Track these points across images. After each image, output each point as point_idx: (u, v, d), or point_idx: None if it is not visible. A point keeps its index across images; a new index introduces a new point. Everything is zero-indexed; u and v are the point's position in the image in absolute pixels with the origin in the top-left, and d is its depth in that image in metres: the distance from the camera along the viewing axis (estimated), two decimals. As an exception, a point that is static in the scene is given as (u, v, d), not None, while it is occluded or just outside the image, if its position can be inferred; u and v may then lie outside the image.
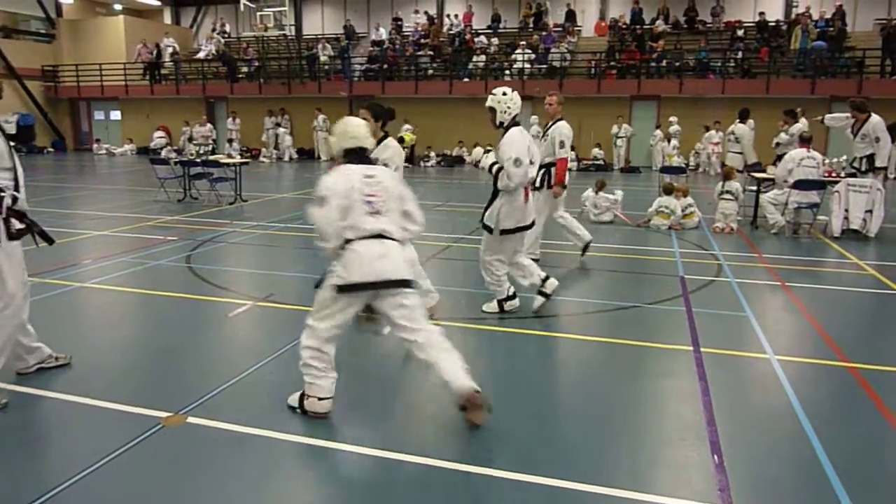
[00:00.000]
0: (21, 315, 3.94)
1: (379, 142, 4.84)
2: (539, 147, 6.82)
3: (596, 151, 21.10)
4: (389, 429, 3.63)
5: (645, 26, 23.76)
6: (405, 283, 3.63)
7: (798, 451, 3.42)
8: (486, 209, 5.47)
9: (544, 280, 5.61)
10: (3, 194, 3.73)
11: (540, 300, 5.65)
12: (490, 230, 5.43)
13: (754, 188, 10.72)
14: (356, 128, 3.81)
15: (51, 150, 27.12)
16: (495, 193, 5.39)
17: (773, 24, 22.54)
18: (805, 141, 9.66)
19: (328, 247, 3.58)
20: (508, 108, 5.35)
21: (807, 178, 9.28)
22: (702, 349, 4.82)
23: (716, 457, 3.31)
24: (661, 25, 23.45)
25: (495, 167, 5.27)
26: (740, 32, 22.67)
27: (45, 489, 2.94)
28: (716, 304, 6.08)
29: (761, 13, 22.82)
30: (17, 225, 3.81)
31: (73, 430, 3.61)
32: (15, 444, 3.47)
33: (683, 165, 17.43)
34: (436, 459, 3.25)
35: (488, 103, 5.39)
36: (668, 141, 19.19)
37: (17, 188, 3.84)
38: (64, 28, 28.37)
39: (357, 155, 3.75)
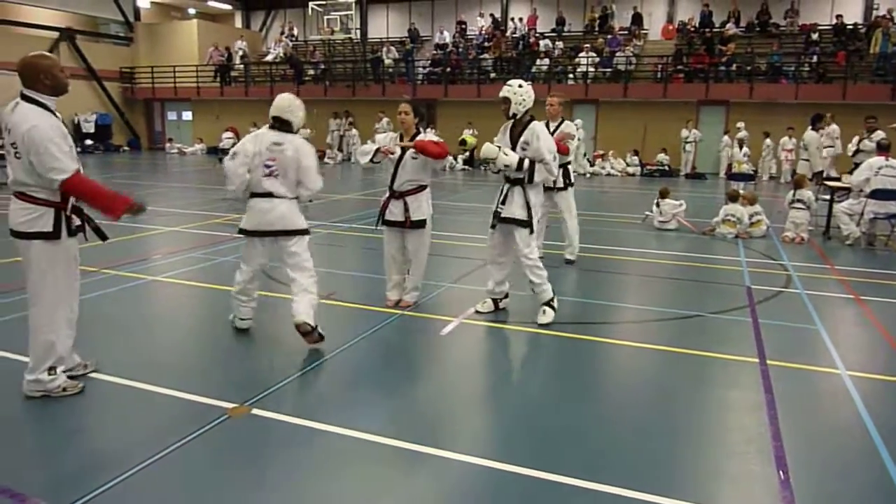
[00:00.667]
0: (70, 310, 3.87)
1: (413, 136, 5.53)
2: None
3: (661, 157, 20.67)
4: (451, 429, 3.65)
5: (715, 29, 23.16)
6: (290, 233, 4.70)
7: (870, 471, 3.29)
8: (505, 207, 5.40)
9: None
10: None
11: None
12: (531, 226, 5.39)
13: (827, 197, 10.32)
14: (281, 100, 4.75)
15: (126, 148, 28.32)
16: (519, 189, 5.37)
17: (851, 26, 21.62)
18: (883, 149, 9.23)
19: (230, 189, 4.71)
20: (523, 100, 5.29)
21: (884, 187, 8.88)
22: (768, 361, 4.67)
23: (781, 472, 3.21)
24: (731, 28, 22.81)
25: (526, 162, 5.24)
26: (815, 36, 21.84)
27: (117, 472, 3.08)
28: (784, 315, 5.89)
29: (839, 16, 21.93)
30: (76, 221, 3.82)
31: (143, 416, 3.77)
32: (89, 427, 3.65)
33: (752, 172, 16.91)
34: (500, 462, 3.25)
35: (503, 93, 5.36)
36: (740, 147, 18.64)
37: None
38: (141, 31, 29.62)
39: (277, 123, 4.70)
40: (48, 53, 3.84)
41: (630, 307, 6.25)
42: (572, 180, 7.59)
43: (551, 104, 7.48)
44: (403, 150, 5.56)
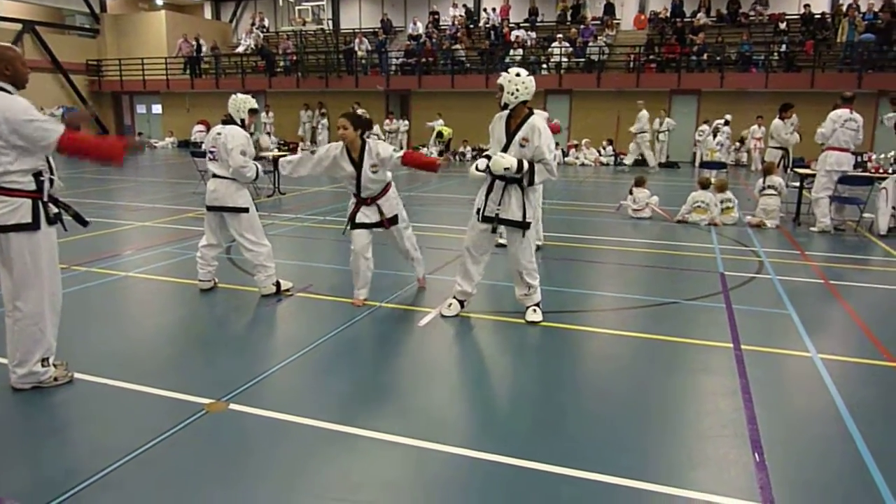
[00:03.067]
0: (56, 300, 3.86)
1: (362, 148, 5.39)
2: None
3: (633, 146, 20.79)
4: (429, 419, 3.65)
5: (686, 19, 23.35)
6: (231, 209, 5.61)
7: (842, 452, 3.35)
8: (502, 207, 5.05)
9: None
10: (42, 178, 3.70)
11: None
12: (527, 227, 5.11)
13: (797, 184, 10.49)
14: (231, 101, 5.74)
15: (95, 142, 27.78)
16: (517, 188, 5.04)
17: (818, 16, 21.94)
18: (848, 101, 9.36)
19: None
20: (516, 89, 4.89)
21: (848, 142, 9.16)
22: (742, 346, 4.75)
23: (756, 455, 3.27)
24: (702, 18, 23.03)
25: (526, 164, 4.88)
26: (784, 25, 22.16)
27: (95, 470, 3.04)
28: (757, 301, 5.98)
29: (806, 5, 22.23)
30: (53, 209, 3.80)
31: (119, 414, 3.71)
32: (66, 426, 3.59)
33: (724, 161, 17.10)
34: (474, 451, 3.27)
35: (499, 80, 4.99)
36: (714, 136, 18.82)
37: (51, 172, 3.81)
38: (108, 23, 29.01)
39: (226, 119, 5.71)
40: (13, 46, 3.78)
41: (605, 295, 6.30)
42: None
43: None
44: (359, 163, 5.38)
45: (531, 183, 5.00)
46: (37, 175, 3.66)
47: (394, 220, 5.67)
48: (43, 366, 3.79)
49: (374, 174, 5.41)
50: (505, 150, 4.99)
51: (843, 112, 9.20)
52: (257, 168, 5.73)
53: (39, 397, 3.73)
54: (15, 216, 3.59)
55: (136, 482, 2.99)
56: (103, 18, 29.02)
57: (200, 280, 6.04)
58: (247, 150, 5.63)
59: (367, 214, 5.56)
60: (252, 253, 5.70)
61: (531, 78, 4.98)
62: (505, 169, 4.85)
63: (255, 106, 5.90)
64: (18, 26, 25.47)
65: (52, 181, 3.80)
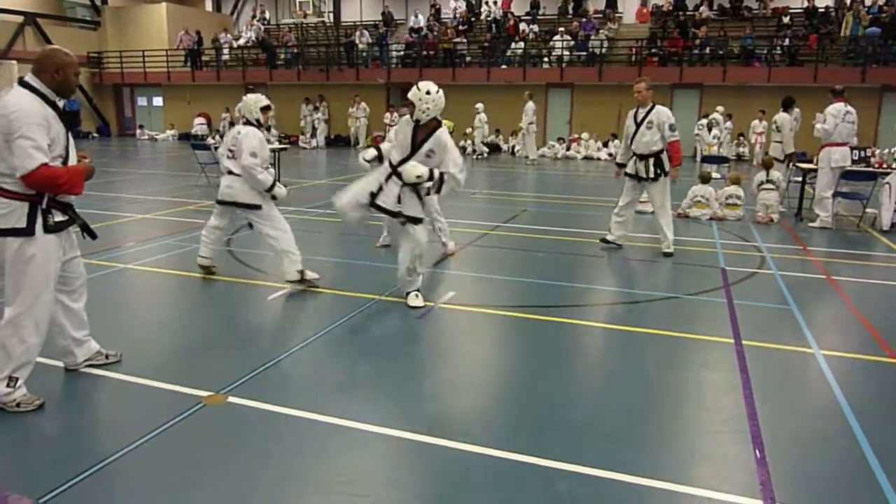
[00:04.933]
0: (47, 315, 3.61)
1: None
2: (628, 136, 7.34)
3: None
4: (428, 413, 3.64)
5: (688, 13, 23.25)
6: (243, 205, 5.75)
7: (844, 448, 3.34)
8: (404, 206, 5.20)
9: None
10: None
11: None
12: (421, 222, 5.35)
13: (799, 179, 10.44)
14: (243, 104, 5.91)
15: (96, 135, 27.77)
16: (411, 190, 5.22)
17: (822, 10, 21.84)
18: (839, 94, 9.30)
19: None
20: (427, 108, 5.06)
21: (848, 136, 9.13)
22: (743, 342, 4.72)
23: (757, 451, 3.25)
24: (704, 12, 22.91)
25: (436, 173, 5.12)
26: (787, 19, 22.04)
27: (93, 462, 3.02)
28: (758, 296, 5.96)
29: (810, -1, 22.15)
30: (57, 217, 3.55)
31: (119, 406, 3.71)
32: (66, 419, 3.58)
33: (724, 155, 17.04)
34: (473, 445, 3.24)
35: (409, 95, 5.12)
36: (709, 130, 18.73)
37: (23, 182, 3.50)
38: (109, 15, 28.90)
39: (246, 121, 5.86)
40: (70, 52, 3.62)
41: (605, 290, 6.28)
42: (666, 170, 7.24)
43: (639, 90, 7.29)
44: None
45: (438, 192, 5.26)
46: None
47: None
48: (7, 385, 3.46)
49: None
50: (408, 158, 5.15)
51: (840, 106, 9.15)
52: (274, 179, 5.74)
53: (36, 390, 3.69)
54: (10, 220, 3.38)
55: (131, 475, 2.98)
56: (104, 10, 28.91)
57: (200, 256, 6.17)
58: (258, 152, 5.61)
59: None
60: (273, 240, 5.76)
61: (440, 94, 5.13)
62: (417, 177, 5.03)
63: (267, 103, 5.96)
64: (20, 18, 25.40)
65: None
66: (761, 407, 3.71)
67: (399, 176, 5.16)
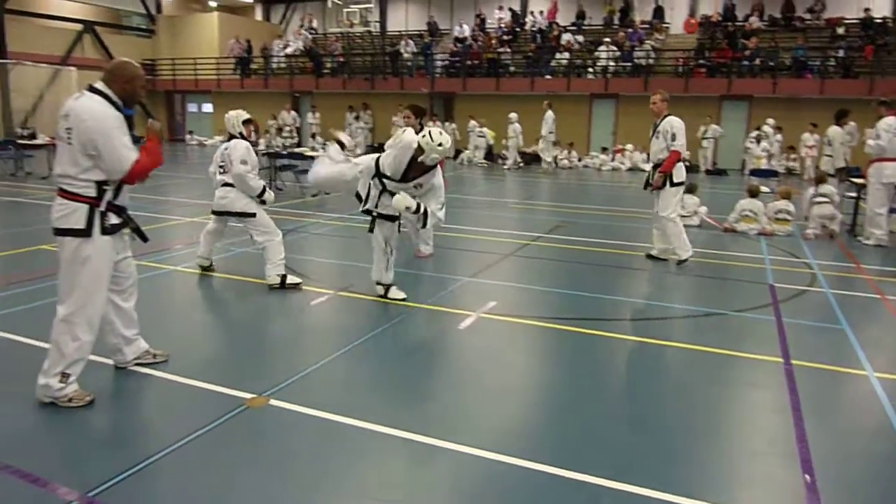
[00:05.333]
0: (99, 314, 3.74)
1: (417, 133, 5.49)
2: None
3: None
4: (467, 423, 3.62)
5: (737, 23, 22.84)
6: (238, 214, 6.18)
7: (899, 475, 3.21)
8: (364, 200, 5.63)
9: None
10: (107, 187, 3.62)
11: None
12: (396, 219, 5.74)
13: (853, 194, 10.13)
14: (226, 119, 6.38)
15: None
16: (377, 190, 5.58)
17: (879, 20, 21.23)
18: (890, 106, 8.97)
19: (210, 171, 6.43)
20: (435, 157, 5.18)
21: None
22: (793, 361, 4.59)
23: (807, 476, 3.14)
24: (755, 22, 22.49)
25: (423, 207, 5.29)
26: (842, 30, 21.46)
27: (139, 459, 3.09)
28: (809, 314, 5.79)
29: (866, 9, 21.52)
30: (112, 220, 3.69)
31: (166, 405, 3.79)
32: (115, 416, 3.66)
33: (774, 168, 16.65)
34: (513, 458, 3.21)
35: (422, 143, 5.18)
36: (758, 143, 18.32)
37: (121, 181, 3.72)
38: (163, 24, 29.77)
39: (231, 135, 6.31)
40: (139, 67, 3.82)
41: (650, 304, 6.17)
42: (675, 179, 7.31)
43: (654, 102, 7.45)
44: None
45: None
46: (100, 183, 3.59)
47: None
48: (60, 381, 3.58)
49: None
50: (399, 181, 5.39)
51: (891, 120, 8.86)
52: (264, 186, 6.25)
53: (87, 386, 3.79)
54: (70, 220, 3.55)
55: (174, 473, 3.04)
56: (158, 19, 29.78)
57: (199, 257, 6.61)
58: (247, 159, 6.11)
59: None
60: (262, 247, 6.19)
61: (447, 137, 5.21)
62: (406, 208, 5.21)
63: (248, 117, 6.44)
64: (79, 27, 26.33)
65: (119, 191, 3.70)
66: (811, 430, 3.60)
67: (384, 185, 5.52)
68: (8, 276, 6.28)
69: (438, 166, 5.45)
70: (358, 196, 5.70)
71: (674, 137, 7.22)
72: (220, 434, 3.38)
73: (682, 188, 7.48)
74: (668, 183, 7.30)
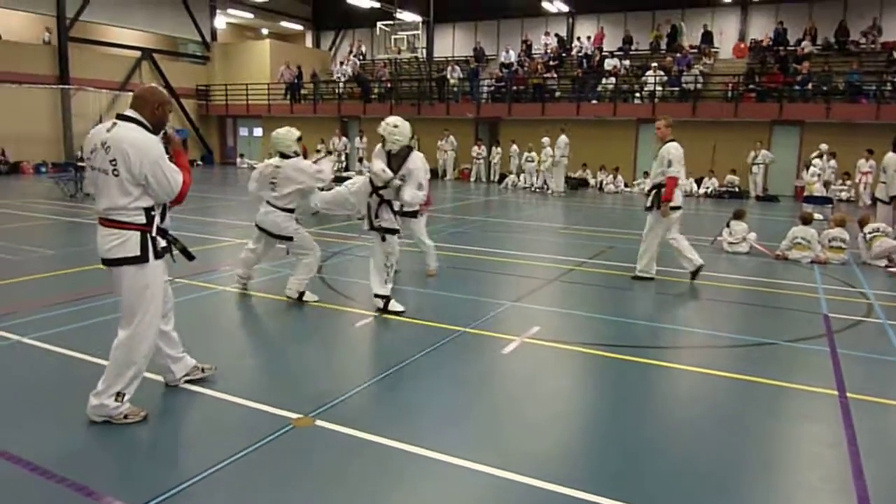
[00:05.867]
0: (155, 335, 3.86)
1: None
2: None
3: (731, 177, 20.08)
4: (511, 448, 3.59)
5: (789, 47, 22.45)
6: (278, 237, 6.38)
7: (964, 516, 3.06)
8: (376, 217, 6.01)
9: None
10: (153, 212, 3.69)
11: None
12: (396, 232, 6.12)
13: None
14: (280, 138, 6.43)
15: (200, 163, 29.40)
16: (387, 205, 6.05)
17: (938, 44, 20.62)
18: None
19: (250, 190, 6.66)
20: (397, 139, 5.90)
21: None
22: (848, 394, 4.43)
23: (865, 513, 3.02)
24: (807, 46, 22.07)
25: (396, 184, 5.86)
26: (899, 54, 20.91)
27: (188, 476, 3.16)
28: (865, 346, 5.59)
29: (924, 33, 20.96)
30: (161, 243, 3.77)
31: (214, 423, 3.86)
32: (166, 432, 3.75)
33: (828, 196, 16.21)
34: (554, 484, 3.18)
35: (380, 130, 5.97)
36: (807, 168, 17.85)
37: (165, 206, 3.82)
38: (217, 51, 30.80)
39: (281, 154, 6.41)
40: (166, 92, 3.94)
41: (698, 332, 6.05)
42: (673, 203, 7.53)
43: (658, 127, 7.73)
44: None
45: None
46: (148, 209, 3.66)
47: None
48: (116, 400, 3.67)
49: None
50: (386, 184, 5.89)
51: None
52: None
53: (140, 403, 3.90)
54: (124, 249, 3.60)
55: (222, 491, 3.09)
56: (213, 46, 30.82)
57: (238, 276, 6.79)
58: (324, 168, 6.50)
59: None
60: (301, 260, 6.43)
61: (406, 123, 5.99)
62: (381, 170, 5.84)
63: (299, 134, 6.60)
64: (138, 54, 27.43)
65: (164, 214, 3.83)
66: (869, 466, 3.46)
67: (381, 197, 5.97)
68: (69, 294, 6.52)
69: (416, 154, 6.05)
70: (361, 218, 6.20)
71: (669, 164, 7.42)
72: (268, 453, 3.43)
73: (680, 211, 7.76)
74: (657, 205, 7.59)
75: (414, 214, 7.57)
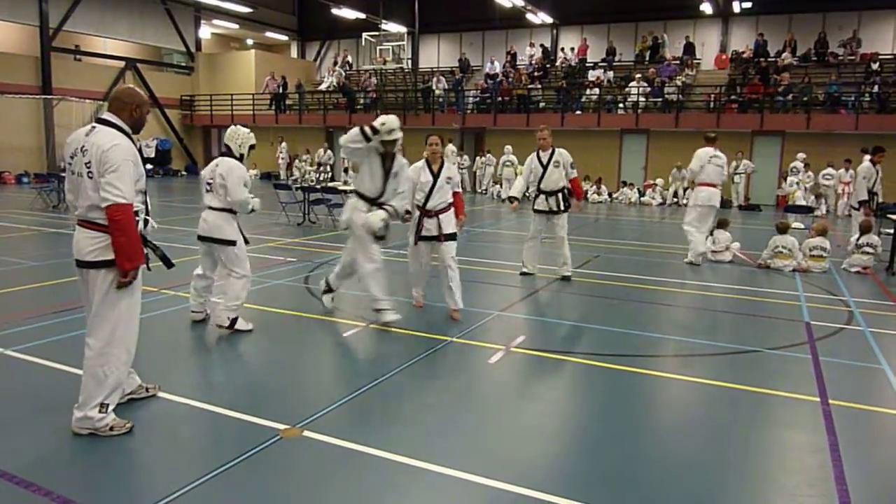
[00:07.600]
0: (133, 343, 3.80)
1: (440, 165, 6.50)
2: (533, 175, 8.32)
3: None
4: (498, 458, 3.61)
5: (770, 59, 22.79)
6: (219, 241, 5.72)
7: (944, 520, 3.12)
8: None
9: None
10: (137, 218, 3.65)
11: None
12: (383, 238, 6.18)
13: (891, 231, 9.95)
14: (232, 133, 5.86)
15: (184, 173, 29.23)
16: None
17: (914, 56, 21.01)
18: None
19: (240, 198, 5.72)
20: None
21: None
22: (830, 401, 4.50)
23: (847, 518, 3.07)
24: (787, 58, 22.41)
25: (391, 209, 6.18)
26: (876, 65, 21.29)
27: (175, 488, 3.14)
28: (846, 353, 5.67)
29: (902, 45, 21.35)
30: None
31: (200, 434, 3.85)
32: (144, 444, 3.73)
33: (809, 204, 16.43)
34: (545, 493, 3.20)
35: (375, 124, 5.91)
36: (786, 178, 18.09)
37: (147, 212, 3.83)
38: (201, 61, 30.68)
39: (224, 152, 5.83)
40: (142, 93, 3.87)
41: (683, 340, 6.11)
42: (569, 203, 8.28)
43: (543, 137, 8.22)
44: (437, 174, 6.40)
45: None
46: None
47: (450, 237, 6.40)
48: (100, 412, 3.63)
49: (447, 183, 6.45)
50: (384, 183, 6.10)
51: None
52: (254, 203, 5.84)
53: (120, 413, 3.88)
54: (106, 252, 3.54)
55: (208, 502, 3.07)
56: (198, 57, 30.71)
57: (192, 311, 6.02)
58: (247, 180, 5.77)
59: (428, 228, 6.42)
60: (232, 281, 5.70)
61: (392, 117, 6.00)
62: (381, 220, 6.01)
63: (254, 143, 5.98)
64: (122, 63, 27.30)
65: (146, 221, 3.81)
66: (850, 472, 3.52)
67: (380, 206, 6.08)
68: (52, 305, 6.46)
69: (398, 157, 6.18)
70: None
71: (572, 166, 8.22)
72: (256, 464, 3.43)
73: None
74: (567, 206, 8.26)
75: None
